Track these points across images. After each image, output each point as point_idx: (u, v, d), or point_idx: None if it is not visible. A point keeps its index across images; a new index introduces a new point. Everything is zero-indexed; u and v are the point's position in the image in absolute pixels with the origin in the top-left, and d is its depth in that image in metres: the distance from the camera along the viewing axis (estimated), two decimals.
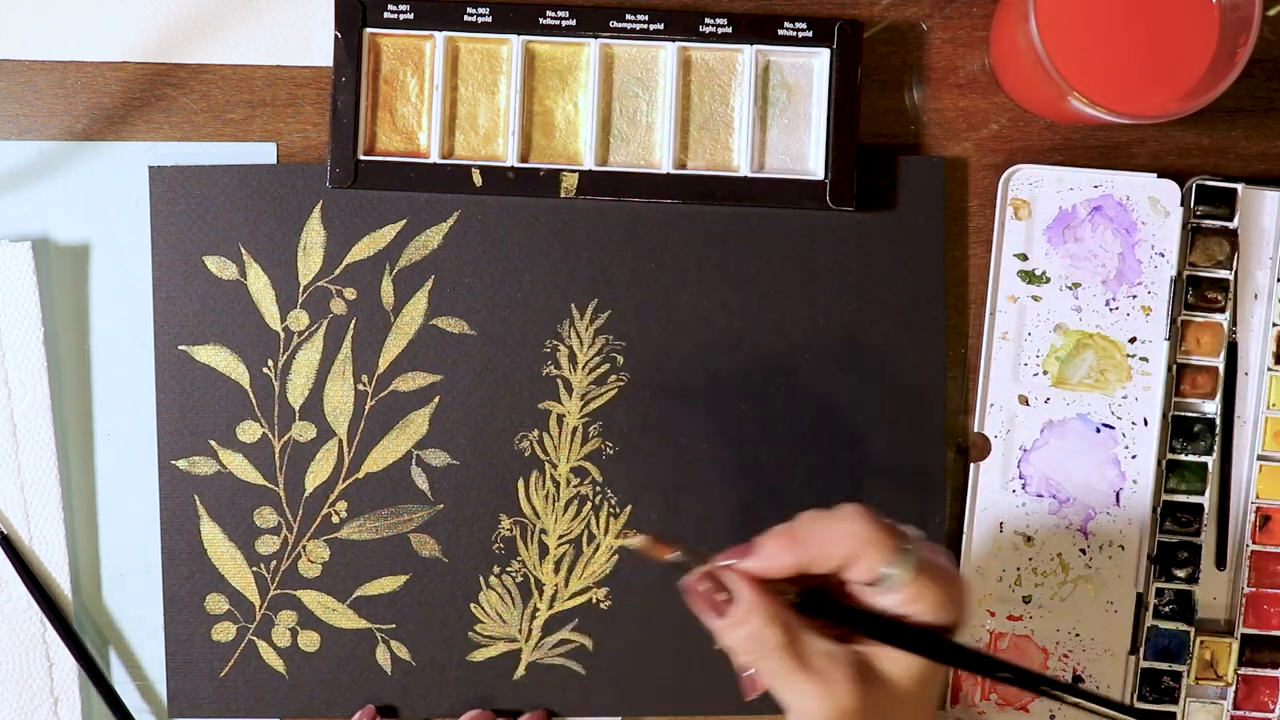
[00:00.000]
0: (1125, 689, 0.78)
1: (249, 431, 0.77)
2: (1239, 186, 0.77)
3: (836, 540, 0.59)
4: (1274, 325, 0.78)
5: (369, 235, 0.76)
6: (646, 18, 0.75)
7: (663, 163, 0.76)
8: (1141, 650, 0.78)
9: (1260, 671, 0.78)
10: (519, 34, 0.75)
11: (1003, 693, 0.79)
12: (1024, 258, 0.77)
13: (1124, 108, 0.68)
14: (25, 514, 0.76)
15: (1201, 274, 0.77)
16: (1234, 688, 0.78)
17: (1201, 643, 0.78)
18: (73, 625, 0.76)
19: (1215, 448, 0.78)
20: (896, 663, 0.58)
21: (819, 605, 0.60)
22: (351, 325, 0.76)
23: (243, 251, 0.76)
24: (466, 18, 0.75)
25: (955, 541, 0.78)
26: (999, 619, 0.78)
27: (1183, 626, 0.78)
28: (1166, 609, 0.78)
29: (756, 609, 0.59)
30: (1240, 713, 0.79)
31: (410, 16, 0.75)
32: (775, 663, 0.58)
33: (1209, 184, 0.77)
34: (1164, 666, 0.78)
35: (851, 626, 0.59)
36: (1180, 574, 0.78)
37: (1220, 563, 0.79)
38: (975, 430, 0.78)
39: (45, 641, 0.76)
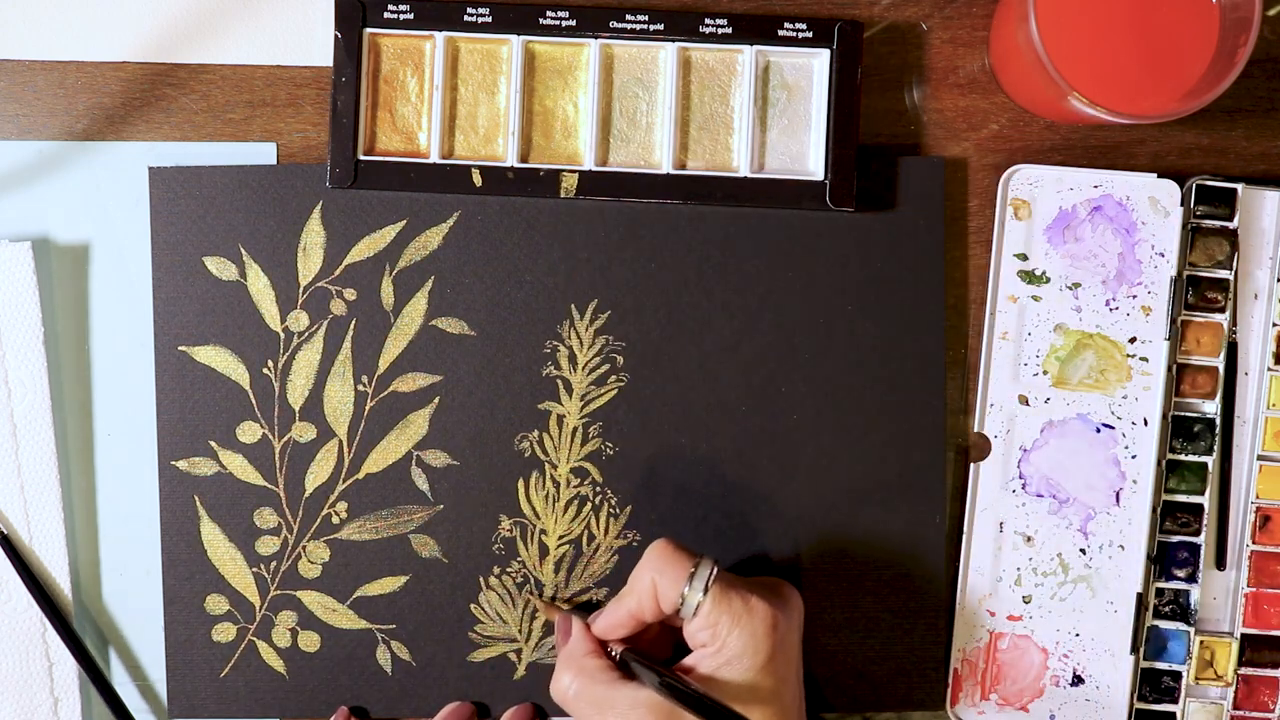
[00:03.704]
0: (1125, 689, 0.78)
1: (249, 432, 0.77)
2: (1239, 186, 0.77)
3: (642, 576, 0.69)
4: (1274, 325, 0.78)
5: (369, 236, 0.76)
6: (646, 18, 0.75)
7: (662, 163, 0.76)
8: (1141, 650, 0.78)
9: (1260, 671, 0.78)
10: (519, 34, 0.75)
11: (1003, 693, 0.79)
12: (1024, 258, 0.77)
13: (1124, 108, 0.68)
14: (25, 514, 0.76)
15: (1201, 274, 0.77)
16: (1234, 688, 0.78)
17: (1201, 643, 0.78)
18: (73, 625, 0.76)
19: (1215, 448, 0.78)
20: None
21: (631, 663, 0.69)
22: (351, 326, 0.76)
23: (243, 252, 0.76)
24: (466, 18, 0.75)
25: (955, 541, 0.78)
26: (999, 619, 0.78)
27: (1182, 626, 0.78)
28: (1166, 609, 0.78)
29: (570, 661, 0.71)
30: (1240, 712, 0.78)
31: (410, 16, 0.75)
32: (580, 706, 0.69)
33: (1209, 184, 0.77)
34: (1164, 666, 0.78)
35: (656, 686, 0.66)
36: (1180, 574, 0.78)
37: (1220, 563, 0.78)
38: (975, 430, 0.78)
39: (45, 641, 0.76)
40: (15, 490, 0.76)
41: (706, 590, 0.67)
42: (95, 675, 0.76)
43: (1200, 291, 0.77)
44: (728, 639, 0.68)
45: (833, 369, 0.78)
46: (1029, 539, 0.78)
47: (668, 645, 0.75)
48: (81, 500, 0.77)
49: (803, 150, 0.77)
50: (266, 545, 0.77)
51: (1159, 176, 0.77)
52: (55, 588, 0.76)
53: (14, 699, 0.77)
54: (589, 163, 0.76)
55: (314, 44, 0.76)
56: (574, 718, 0.69)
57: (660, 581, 0.68)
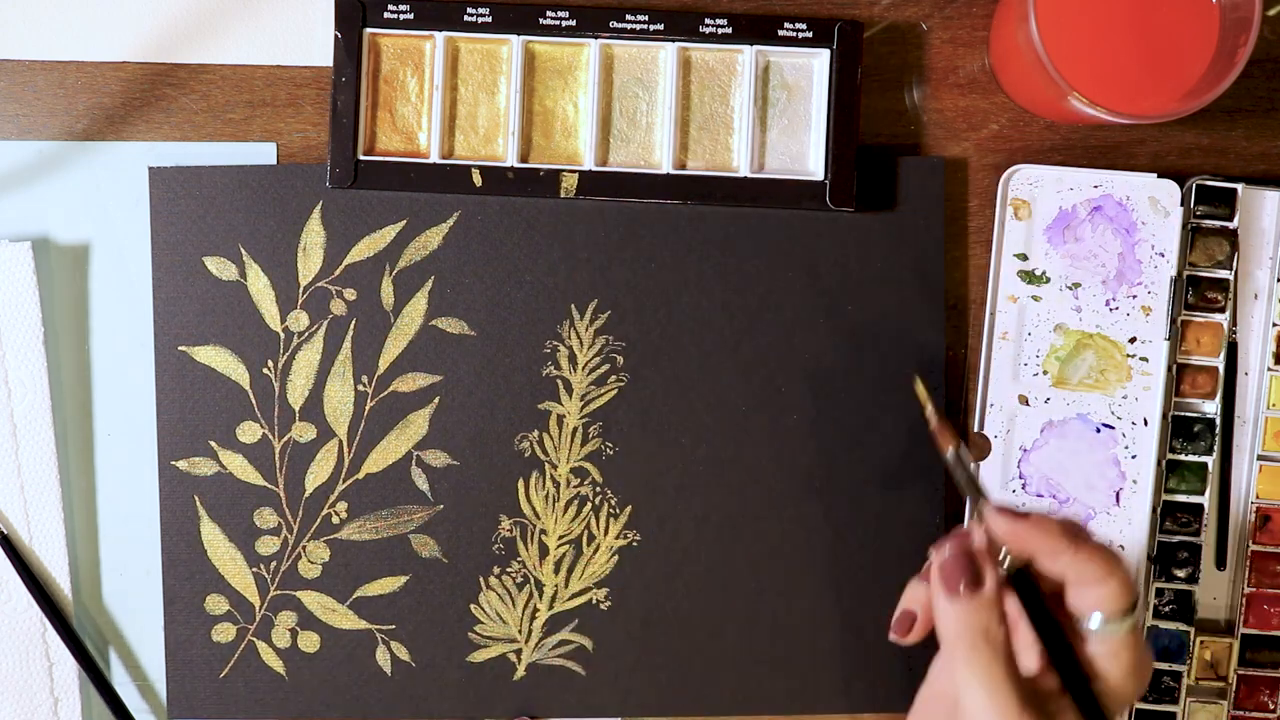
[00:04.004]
0: None
1: (249, 432, 0.77)
2: (1239, 186, 0.77)
3: (1098, 564, 0.59)
4: (1274, 325, 0.78)
5: (369, 236, 0.76)
6: (646, 18, 0.75)
7: (662, 163, 0.76)
8: None
9: (1260, 672, 0.78)
10: (519, 34, 0.75)
11: None
12: (1024, 258, 0.77)
13: (1124, 108, 0.68)
14: (25, 514, 0.76)
15: (1201, 274, 0.77)
16: (1234, 688, 0.78)
17: (1201, 643, 0.78)
18: (73, 625, 0.76)
19: (1215, 448, 0.78)
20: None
21: (1024, 589, 0.60)
22: (351, 326, 0.76)
23: (243, 252, 0.76)
24: (466, 18, 0.75)
25: None
26: None
27: (1183, 627, 0.78)
28: (1166, 609, 0.78)
29: (992, 606, 0.59)
30: (1240, 713, 0.78)
31: (410, 16, 0.75)
32: (985, 658, 0.58)
33: (1209, 184, 0.77)
34: (1164, 667, 0.78)
35: (1038, 631, 0.59)
36: (1180, 574, 0.78)
37: (1220, 563, 0.78)
38: (975, 430, 0.78)
39: (45, 641, 0.76)
40: (15, 490, 0.76)
41: (1130, 628, 0.59)
42: (95, 675, 0.76)
43: (1200, 291, 0.77)
44: (1123, 680, 0.59)
45: (832, 369, 0.78)
46: None
47: None
48: (81, 500, 0.77)
49: (803, 150, 0.77)
50: (266, 545, 0.77)
51: (1159, 176, 0.77)
52: (55, 588, 0.76)
53: (14, 699, 0.77)
54: (589, 163, 0.76)
55: (314, 44, 0.76)
56: (961, 660, 0.59)
57: (1111, 590, 0.59)
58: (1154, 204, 0.77)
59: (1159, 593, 0.78)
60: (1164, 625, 0.78)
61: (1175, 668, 0.78)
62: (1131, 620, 0.59)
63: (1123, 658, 0.59)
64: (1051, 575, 0.60)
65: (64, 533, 0.76)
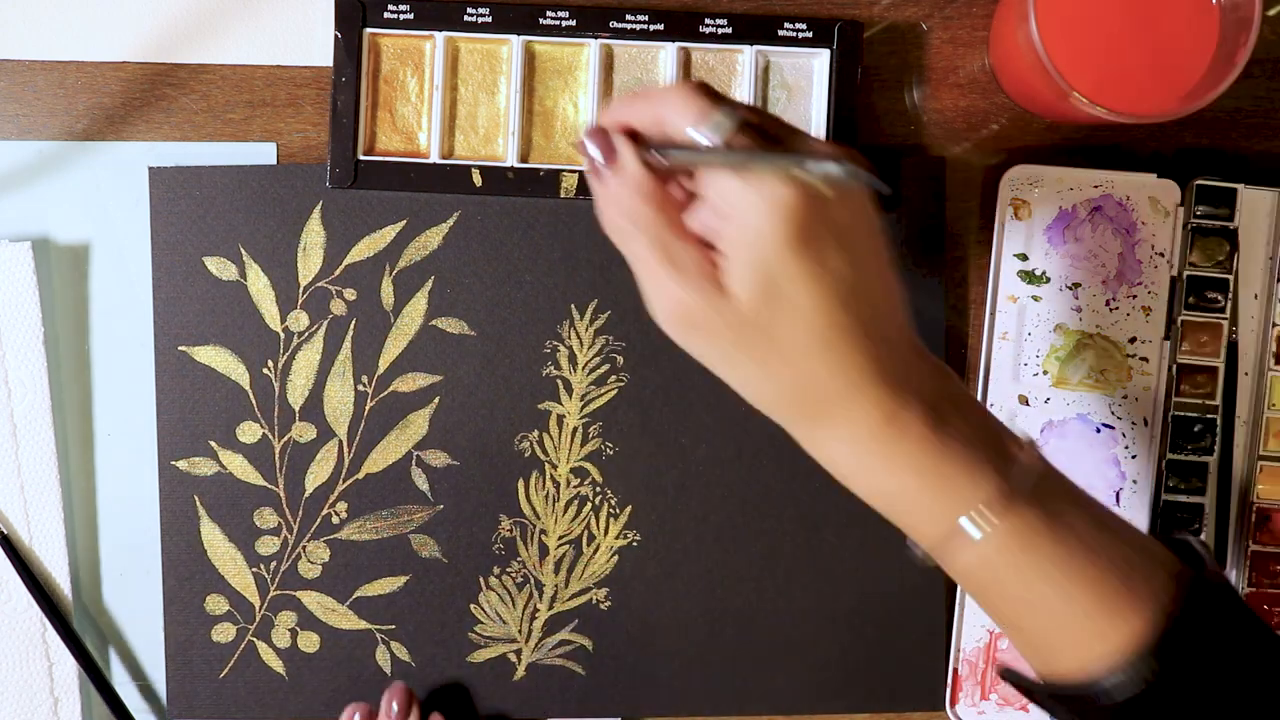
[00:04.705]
0: None
1: (249, 432, 0.77)
2: (1239, 187, 0.77)
3: (659, 97, 0.57)
4: (1274, 325, 0.78)
5: (369, 236, 0.76)
6: (646, 18, 0.75)
7: None
8: None
9: None
10: (519, 34, 0.75)
11: (1003, 693, 0.79)
12: (1024, 258, 0.77)
13: (1124, 108, 0.68)
14: (25, 514, 0.76)
15: (1201, 274, 0.77)
16: None
17: None
18: (73, 625, 0.76)
19: (1215, 448, 0.78)
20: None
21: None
22: (351, 326, 0.76)
23: (243, 252, 0.76)
24: (466, 18, 0.75)
25: None
26: None
27: None
28: None
29: (635, 185, 0.57)
30: None
31: (410, 16, 0.75)
32: (634, 245, 0.57)
33: (1209, 184, 0.77)
34: None
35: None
36: None
37: (1220, 563, 0.78)
38: None
39: (45, 641, 0.76)
40: (15, 490, 0.76)
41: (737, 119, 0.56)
42: (95, 675, 0.76)
43: (1200, 292, 0.77)
44: (737, 209, 0.55)
45: None
46: None
47: None
48: (81, 500, 0.77)
49: None
50: (266, 545, 0.77)
51: (1159, 176, 0.77)
52: (55, 588, 0.76)
53: (14, 699, 0.77)
54: None
55: (314, 44, 0.76)
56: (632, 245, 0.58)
57: (672, 107, 0.57)
58: (1154, 204, 0.77)
59: None
60: None
61: None
62: (716, 126, 0.55)
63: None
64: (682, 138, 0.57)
65: (64, 533, 0.76)
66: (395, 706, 0.75)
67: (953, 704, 0.79)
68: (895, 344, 0.57)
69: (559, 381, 0.77)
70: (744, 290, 0.55)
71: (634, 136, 0.58)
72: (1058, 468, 0.59)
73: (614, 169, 0.57)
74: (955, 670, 0.79)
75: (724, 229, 0.55)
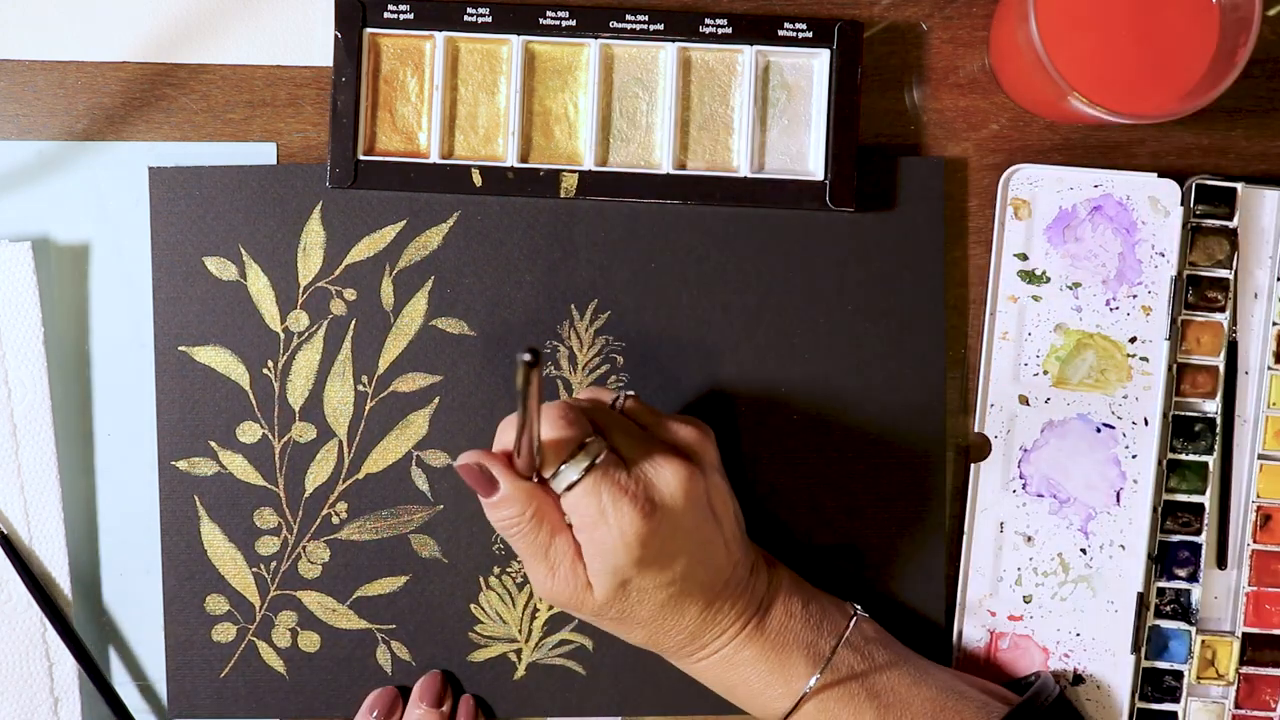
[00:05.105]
0: (1126, 688, 0.78)
1: (249, 432, 0.77)
2: (1239, 186, 0.77)
3: (513, 426, 0.63)
4: (1274, 324, 0.78)
5: (369, 236, 0.76)
6: (646, 18, 0.75)
7: (662, 163, 0.76)
8: (1143, 650, 0.78)
9: (1261, 670, 0.78)
10: (519, 34, 0.75)
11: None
12: (1024, 257, 0.77)
13: (1124, 108, 0.68)
14: (25, 514, 0.76)
15: (1201, 273, 0.77)
16: (1235, 687, 0.78)
17: (1203, 642, 0.78)
18: (73, 625, 0.76)
19: (1216, 447, 0.78)
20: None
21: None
22: (351, 326, 0.76)
23: (243, 252, 0.76)
24: (466, 18, 0.75)
25: (956, 541, 0.78)
26: (1000, 619, 0.78)
27: (1184, 626, 0.78)
28: (1167, 608, 0.78)
29: (512, 491, 0.65)
30: (1242, 711, 0.78)
31: (410, 16, 0.75)
32: (519, 544, 0.67)
33: (1209, 183, 0.77)
34: (1165, 666, 0.78)
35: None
36: (1181, 573, 0.78)
37: (1221, 562, 0.78)
38: (975, 430, 0.78)
39: (45, 641, 0.76)
40: (15, 490, 0.76)
41: (587, 472, 0.64)
42: (95, 675, 0.76)
43: (1200, 291, 0.77)
44: (594, 534, 0.65)
45: (833, 369, 0.78)
46: (1029, 539, 0.78)
47: None
48: (81, 500, 0.77)
49: (803, 150, 0.77)
50: (266, 545, 0.77)
51: (1159, 176, 0.77)
52: (55, 587, 0.76)
53: (14, 699, 0.77)
54: (589, 163, 0.76)
55: (314, 44, 0.76)
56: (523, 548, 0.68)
57: (544, 444, 0.64)
58: (1154, 204, 0.77)
59: (1160, 592, 0.78)
60: (1165, 625, 0.78)
61: (1177, 667, 0.78)
62: (577, 464, 0.64)
63: (583, 505, 0.64)
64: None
65: (64, 533, 0.76)
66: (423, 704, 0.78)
67: None
68: (731, 580, 0.69)
69: (559, 381, 0.77)
70: (602, 590, 0.66)
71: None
72: (882, 632, 0.74)
73: (494, 496, 0.66)
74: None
75: (585, 541, 0.66)
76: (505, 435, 0.67)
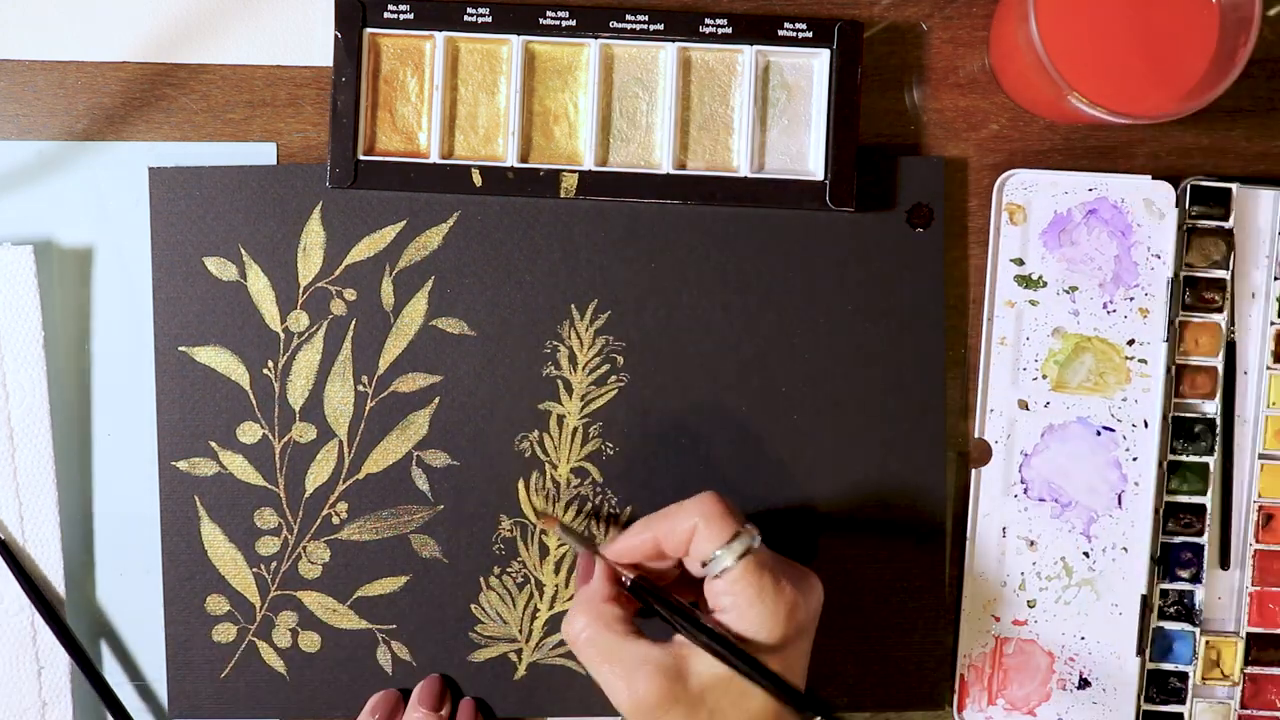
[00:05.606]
0: (1132, 691, 0.78)
1: (249, 432, 0.76)
2: (1233, 186, 0.77)
3: (683, 518, 0.68)
4: (1272, 324, 0.78)
5: (369, 236, 0.76)
6: (646, 18, 0.76)
7: (662, 163, 0.76)
8: (1147, 652, 0.78)
9: (1266, 670, 0.78)
10: (519, 34, 0.75)
11: (1010, 697, 0.78)
12: (1020, 262, 0.77)
13: (1124, 108, 0.68)
14: (19, 516, 0.75)
15: (1198, 274, 0.78)
16: (1240, 687, 0.78)
17: (1207, 643, 0.78)
18: (69, 626, 0.76)
19: (1216, 448, 0.78)
20: (703, 662, 0.66)
21: (642, 591, 0.69)
22: (351, 326, 0.76)
23: (243, 252, 0.76)
24: (466, 18, 0.75)
25: (958, 547, 0.78)
26: (1004, 624, 0.78)
27: (1188, 627, 0.78)
28: (1171, 610, 0.78)
29: (587, 605, 0.69)
30: (1247, 711, 0.78)
31: (410, 16, 0.75)
32: (586, 655, 0.68)
33: (1203, 184, 0.77)
34: (1170, 667, 0.78)
35: (665, 615, 0.68)
36: (1184, 575, 0.78)
37: (1224, 563, 0.78)
38: (975, 436, 0.78)
39: (35, 644, 0.76)
40: (10, 494, 0.75)
41: (741, 558, 0.66)
42: (94, 676, 0.75)
43: (1197, 292, 0.77)
44: (747, 611, 0.66)
45: (833, 369, 0.77)
46: (1032, 543, 0.78)
47: (678, 588, 0.73)
48: (81, 500, 0.77)
49: (803, 150, 0.77)
50: (267, 545, 0.77)
51: (1154, 178, 0.77)
52: (50, 589, 0.76)
53: (2, 702, 0.76)
54: (589, 163, 0.76)
55: (314, 44, 0.77)
56: (581, 660, 0.69)
57: (702, 529, 0.67)
58: (1149, 206, 0.77)
59: (1163, 594, 0.78)
60: (1169, 626, 0.78)
61: (1182, 668, 0.78)
62: (735, 548, 0.66)
63: (740, 587, 0.66)
64: (677, 556, 0.70)
65: (59, 536, 0.76)
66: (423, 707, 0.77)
67: (960, 709, 0.78)
68: None
69: (559, 381, 0.77)
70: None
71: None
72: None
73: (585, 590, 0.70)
74: (962, 675, 0.78)
75: (732, 621, 0.67)
76: (635, 540, 0.70)
